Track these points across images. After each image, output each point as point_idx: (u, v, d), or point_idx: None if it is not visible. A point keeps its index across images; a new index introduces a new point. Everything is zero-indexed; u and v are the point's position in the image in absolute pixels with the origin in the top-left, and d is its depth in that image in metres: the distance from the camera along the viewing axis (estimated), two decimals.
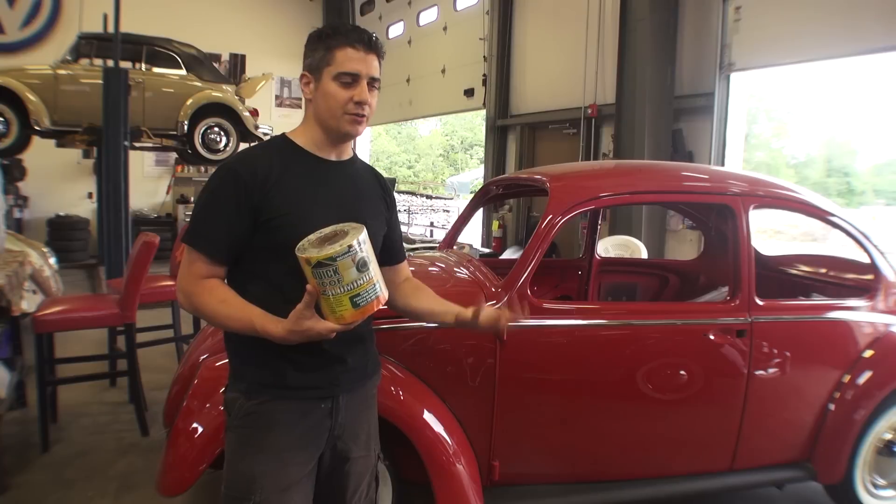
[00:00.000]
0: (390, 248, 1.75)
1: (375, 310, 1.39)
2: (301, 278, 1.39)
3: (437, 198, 14.36)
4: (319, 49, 1.54)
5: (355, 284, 1.33)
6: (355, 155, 1.71)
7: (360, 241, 1.34)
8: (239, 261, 1.54)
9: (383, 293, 1.40)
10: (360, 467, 1.68)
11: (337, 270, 1.30)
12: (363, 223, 1.54)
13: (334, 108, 1.53)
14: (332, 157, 1.61)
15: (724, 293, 2.90)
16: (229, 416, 1.58)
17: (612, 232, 6.70)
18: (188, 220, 1.62)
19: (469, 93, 11.05)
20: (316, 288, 1.33)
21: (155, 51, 8.38)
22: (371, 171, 1.76)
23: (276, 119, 13.13)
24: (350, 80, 1.51)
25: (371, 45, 1.53)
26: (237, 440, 1.56)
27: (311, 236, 1.38)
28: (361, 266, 1.32)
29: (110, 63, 6.94)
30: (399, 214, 1.91)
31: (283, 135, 1.63)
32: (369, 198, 1.68)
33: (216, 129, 8.54)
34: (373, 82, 1.55)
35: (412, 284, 1.82)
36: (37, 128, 7.71)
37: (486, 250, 9.91)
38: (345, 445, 1.63)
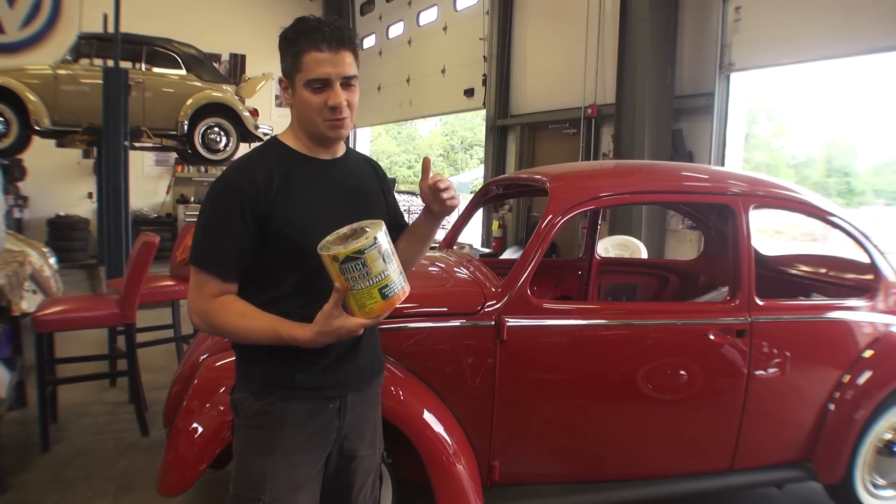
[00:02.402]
0: (395, 223, 1.73)
1: (402, 300, 1.39)
2: (312, 285, 1.37)
3: None
4: (288, 54, 1.49)
5: (383, 275, 1.33)
6: (349, 148, 1.70)
7: (384, 233, 1.36)
8: (249, 273, 1.51)
9: (407, 285, 1.41)
10: (366, 466, 1.69)
11: (365, 263, 1.31)
12: (368, 218, 1.55)
13: (311, 115, 1.49)
14: (328, 157, 1.60)
15: (724, 293, 2.90)
16: (237, 416, 1.57)
17: (612, 232, 6.70)
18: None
19: (469, 93, 11.05)
20: (344, 284, 1.33)
21: (155, 51, 8.39)
22: (367, 162, 1.75)
23: (276, 119, 13.11)
24: (321, 85, 1.46)
25: (338, 42, 1.45)
26: (246, 440, 1.55)
27: (329, 237, 1.38)
28: (387, 257, 1.34)
29: (110, 63, 6.95)
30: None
31: (275, 138, 1.60)
32: (370, 191, 1.68)
33: (216, 129, 8.55)
34: (348, 80, 1.48)
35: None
36: (37, 128, 7.72)
37: (486, 250, 9.91)
38: (351, 445, 1.63)
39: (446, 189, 1.53)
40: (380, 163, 1.84)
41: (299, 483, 1.53)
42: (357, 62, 1.51)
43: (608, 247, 5.87)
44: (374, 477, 1.74)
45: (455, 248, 3.63)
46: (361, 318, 1.37)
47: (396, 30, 13.66)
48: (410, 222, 1.76)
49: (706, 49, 6.57)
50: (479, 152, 25.20)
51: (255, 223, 1.46)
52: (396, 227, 1.74)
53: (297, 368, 1.51)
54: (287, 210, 1.48)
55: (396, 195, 1.88)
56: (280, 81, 1.56)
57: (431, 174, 1.55)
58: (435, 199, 1.55)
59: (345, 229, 1.40)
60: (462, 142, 31.25)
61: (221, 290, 1.48)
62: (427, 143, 32.20)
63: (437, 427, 2.33)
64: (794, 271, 3.56)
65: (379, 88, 14.11)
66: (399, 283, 1.37)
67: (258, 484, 1.51)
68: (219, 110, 8.50)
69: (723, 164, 6.48)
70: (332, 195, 1.56)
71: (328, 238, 1.38)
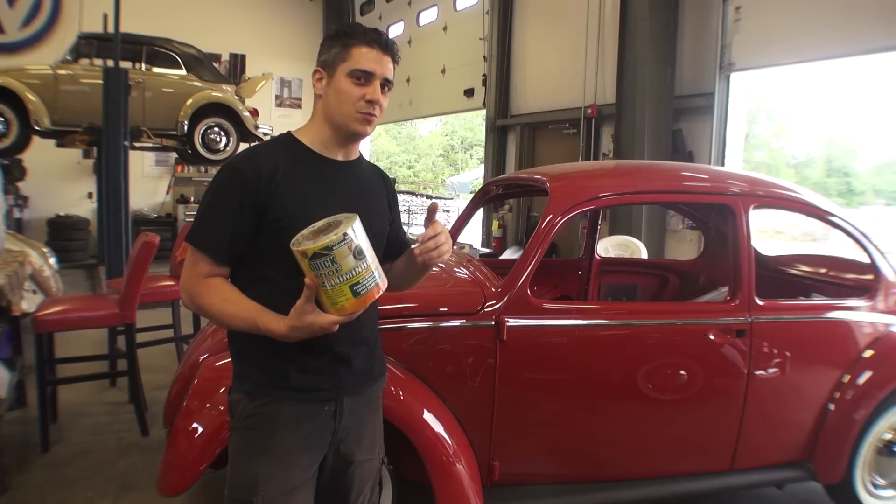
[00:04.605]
0: (395, 244, 1.75)
1: (376, 297, 1.37)
2: (303, 280, 1.36)
3: (437, 198, 14.38)
4: (336, 46, 1.53)
5: (354, 272, 1.31)
6: (361, 155, 1.70)
7: (355, 229, 1.32)
8: (244, 261, 1.53)
9: (382, 281, 1.38)
10: (364, 471, 1.67)
11: (334, 260, 1.29)
12: (368, 224, 1.52)
13: (345, 104, 1.51)
14: (339, 158, 1.60)
15: (724, 293, 2.90)
16: (233, 417, 1.57)
17: (612, 232, 6.70)
18: (189, 220, 1.62)
19: (469, 93, 11.05)
20: (314, 280, 1.32)
21: (155, 51, 8.39)
22: (376, 171, 1.75)
23: (276, 119, 13.14)
24: (364, 77, 1.51)
25: (387, 46, 1.54)
26: (241, 441, 1.55)
27: (305, 230, 1.37)
28: (358, 254, 1.31)
29: (110, 63, 6.95)
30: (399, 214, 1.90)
31: (289, 133, 1.61)
32: (375, 199, 1.67)
33: (216, 129, 8.55)
34: (386, 84, 1.54)
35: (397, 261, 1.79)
36: (37, 128, 7.71)
37: (486, 250, 9.91)
38: (348, 449, 1.62)
39: (434, 239, 1.52)
40: (380, 163, 1.83)
41: (294, 485, 1.52)
42: (394, 74, 1.57)
43: (608, 247, 5.87)
44: (374, 483, 1.72)
45: (455, 247, 3.63)
46: (334, 314, 1.35)
47: (396, 30, 13.66)
48: (408, 223, 1.75)
49: (706, 49, 6.57)
50: (479, 152, 25.19)
51: (252, 211, 1.47)
52: (395, 251, 1.75)
53: (291, 369, 1.51)
54: (286, 202, 1.48)
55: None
56: (314, 72, 1.58)
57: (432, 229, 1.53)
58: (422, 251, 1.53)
59: (320, 223, 1.38)
60: (462, 142, 31.23)
61: (212, 272, 1.50)
62: (427, 143, 32.19)
63: (437, 427, 2.33)
64: (794, 271, 3.56)
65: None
66: (372, 280, 1.35)
67: (251, 486, 1.50)
68: (219, 110, 8.50)
69: (723, 164, 6.48)
70: (336, 196, 1.55)
71: (303, 231, 1.36)
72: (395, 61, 1.56)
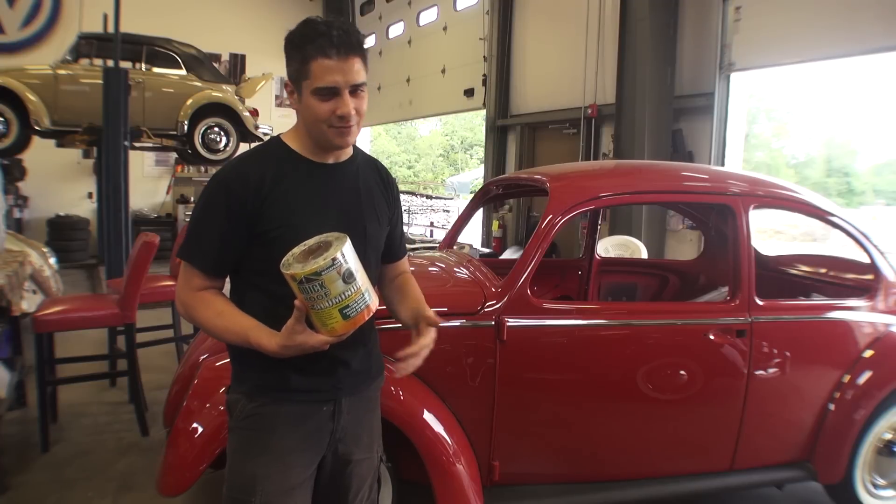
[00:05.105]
0: (390, 246, 1.72)
1: (366, 319, 1.37)
2: None
3: (437, 198, 14.35)
4: (295, 59, 1.45)
5: (343, 296, 1.30)
6: (357, 150, 1.65)
7: (345, 253, 1.30)
8: (239, 271, 1.53)
9: (373, 302, 1.38)
10: (363, 470, 1.67)
11: (323, 284, 1.28)
12: (363, 228, 1.53)
13: (318, 122, 1.46)
14: (330, 161, 1.57)
15: (724, 293, 2.90)
16: (231, 417, 1.57)
17: (612, 232, 6.70)
18: (188, 220, 1.61)
19: (469, 93, 11.06)
20: (304, 303, 1.31)
21: (155, 51, 8.39)
22: (373, 166, 1.70)
23: (276, 119, 13.13)
24: (329, 93, 1.42)
25: (347, 47, 1.41)
26: (239, 441, 1.55)
27: (295, 250, 1.36)
28: (347, 277, 1.30)
29: (110, 63, 6.95)
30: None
31: (279, 138, 1.58)
32: (371, 199, 1.63)
33: (216, 129, 8.55)
34: (357, 88, 1.45)
35: (400, 282, 1.76)
36: (37, 128, 7.72)
37: (486, 250, 9.91)
38: (346, 448, 1.61)
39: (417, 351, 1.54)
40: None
41: (292, 485, 1.52)
42: (366, 67, 1.48)
43: (608, 247, 5.87)
44: (372, 481, 1.72)
45: (455, 248, 3.63)
46: (325, 335, 1.35)
47: (396, 30, 13.67)
48: (408, 223, 1.74)
49: (706, 49, 6.57)
50: (479, 152, 25.19)
51: (242, 222, 1.46)
52: (389, 256, 1.73)
53: (289, 370, 1.50)
54: (277, 212, 1.46)
55: None
56: (286, 85, 1.53)
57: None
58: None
59: (311, 241, 1.37)
60: (462, 142, 31.23)
61: (205, 285, 1.50)
62: (427, 143, 32.20)
63: (437, 427, 2.33)
64: (794, 271, 3.56)
65: (379, 88, 14.12)
66: (362, 303, 1.34)
67: (249, 486, 1.50)
68: (219, 110, 8.50)
69: (723, 164, 6.49)
70: (328, 202, 1.53)
71: (293, 251, 1.35)
72: (362, 57, 1.45)
